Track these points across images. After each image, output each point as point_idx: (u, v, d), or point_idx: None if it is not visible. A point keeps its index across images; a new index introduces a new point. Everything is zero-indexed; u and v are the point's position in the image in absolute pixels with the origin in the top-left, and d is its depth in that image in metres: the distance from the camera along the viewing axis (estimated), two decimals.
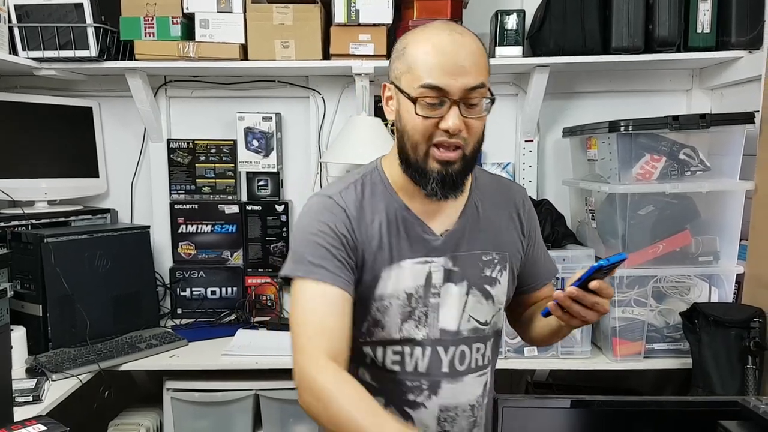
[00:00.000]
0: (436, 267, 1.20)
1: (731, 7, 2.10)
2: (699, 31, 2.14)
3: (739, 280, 2.04)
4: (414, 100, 1.10)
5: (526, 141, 2.46)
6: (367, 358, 1.23)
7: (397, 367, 1.21)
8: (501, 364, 1.40)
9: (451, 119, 1.09)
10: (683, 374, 2.04)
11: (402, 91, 1.13)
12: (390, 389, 1.22)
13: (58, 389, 1.79)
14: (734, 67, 2.18)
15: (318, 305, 1.11)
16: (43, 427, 0.89)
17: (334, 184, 1.26)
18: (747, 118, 1.95)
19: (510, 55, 2.20)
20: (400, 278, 1.19)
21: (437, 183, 1.13)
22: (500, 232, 1.27)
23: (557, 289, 1.52)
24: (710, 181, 1.99)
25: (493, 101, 1.14)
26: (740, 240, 2.02)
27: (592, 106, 2.47)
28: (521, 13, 2.20)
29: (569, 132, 2.35)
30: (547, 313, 1.17)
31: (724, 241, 2.03)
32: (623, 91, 2.47)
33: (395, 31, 2.23)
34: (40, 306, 2.01)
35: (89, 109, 2.47)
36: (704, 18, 2.14)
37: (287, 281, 1.18)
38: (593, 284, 1.08)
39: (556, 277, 1.42)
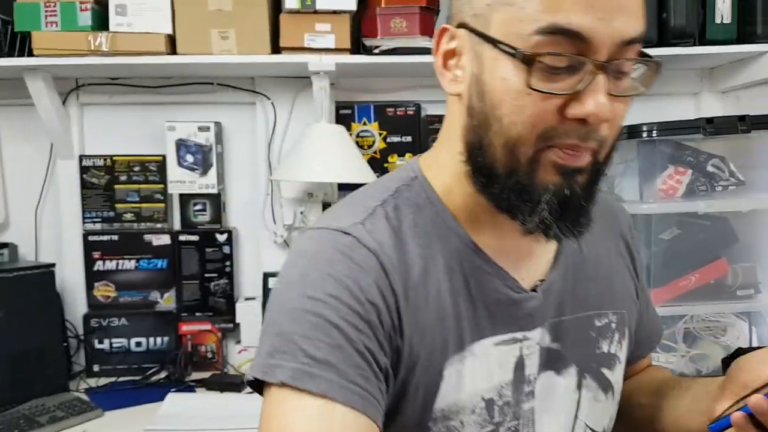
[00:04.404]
0: (529, 347, 0.72)
1: None
2: (718, 21, 1.83)
3: None
4: (529, 60, 0.59)
5: None
6: None
7: None
8: None
9: (600, 96, 0.59)
10: None
11: (494, 41, 0.61)
12: None
13: None
14: (757, 63, 1.87)
15: None
16: None
17: (341, 207, 0.73)
18: None
19: None
20: (478, 374, 0.69)
21: (552, 211, 0.63)
22: (614, 278, 0.82)
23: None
24: (750, 197, 1.66)
25: (658, 66, 0.65)
26: None
27: None
28: None
29: None
30: (725, 427, 0.67)
31: (766, 270, 1.69)
32: None
33: (360, 20, 1.86)
34: None
35: None
36: (724, 6, 1.83)
37: (258, 387, 0.64)
38: None
39: None
